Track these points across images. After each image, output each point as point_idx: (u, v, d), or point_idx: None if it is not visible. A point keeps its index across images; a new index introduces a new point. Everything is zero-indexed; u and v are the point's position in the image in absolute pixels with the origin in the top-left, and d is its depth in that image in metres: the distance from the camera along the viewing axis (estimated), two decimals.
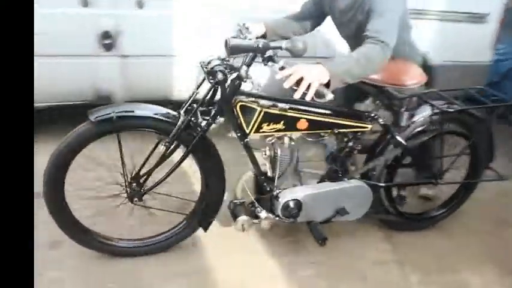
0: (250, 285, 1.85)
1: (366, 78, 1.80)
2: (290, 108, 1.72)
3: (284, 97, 1.68)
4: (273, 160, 1.88)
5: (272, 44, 1.54)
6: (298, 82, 1.43)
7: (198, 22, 2.79)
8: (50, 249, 1.88)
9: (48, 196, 1.69)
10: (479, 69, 3.42)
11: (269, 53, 1.54)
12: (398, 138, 1.92)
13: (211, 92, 1.66)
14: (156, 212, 1.94)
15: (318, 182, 1.99)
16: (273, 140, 1.84)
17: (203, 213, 1.92)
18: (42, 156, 1.64)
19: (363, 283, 1.92)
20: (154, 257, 1.92)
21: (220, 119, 1.69)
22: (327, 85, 1.48)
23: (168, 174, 1.77)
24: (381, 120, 1.91)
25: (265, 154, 1.88)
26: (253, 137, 1.76)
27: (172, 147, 1.71)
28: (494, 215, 2.46)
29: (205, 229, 1.95)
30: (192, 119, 1.67)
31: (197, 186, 2.02)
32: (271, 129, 1.73)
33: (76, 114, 1.91)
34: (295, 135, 1.84)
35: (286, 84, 1.43)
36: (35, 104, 2.19)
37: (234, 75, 1.61)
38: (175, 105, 1.86)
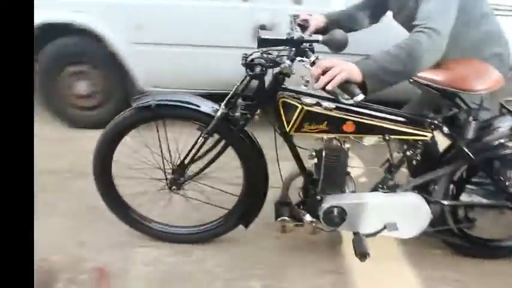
0: None
1: (426, 80, 1.58)
2: (336, 108, 1.59)
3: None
4: (318, 161, 1.76)
5: (308, 37, 1.43)
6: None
7: None
8: None
9: (97, 171, 1.81)
10: None
11: (305, 46, 1.43)
12: (466, 150, 1.67)
13: (245, 85, 1.60)
14: (197, 204, 1.95)
15: (370, 191, 1.83)
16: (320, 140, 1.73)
17: (244, 210, 1.89)
18: None
19: None
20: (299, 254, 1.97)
21: (257, 114, 1.64)
22: (364, 88, 1.33)
23: (205, 167, 1.77)
24: (445, 129, 1.67)
25: (312, 154, 1.77)
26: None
27: (216, 140, 1.71)
28: None
29: (246, 226, 1.92)
30: (230, 112, 1.64)
31: None
32: (313, 129, 1.61)
33: None
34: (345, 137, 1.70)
35: (314, 72, 1.32)
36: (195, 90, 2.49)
37: (277, 69, 1.54)
38: None
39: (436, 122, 1.65)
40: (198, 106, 1.68)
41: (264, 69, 1.53)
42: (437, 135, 1.72)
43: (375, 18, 1.95)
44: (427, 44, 1.35)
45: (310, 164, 1.81)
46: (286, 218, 1.83)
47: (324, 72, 1.33)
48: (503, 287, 1.85)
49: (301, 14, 1.82)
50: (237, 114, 1.63)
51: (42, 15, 2.63)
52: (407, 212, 1.75)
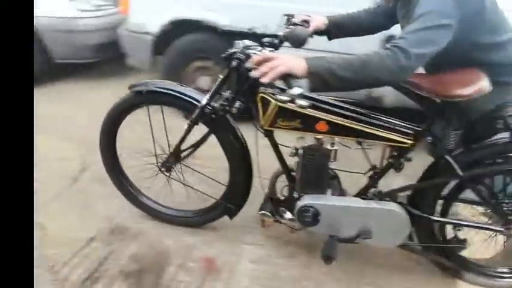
0: None
1: (410, 85, 1.51)
2: (312, 107, 1.59)
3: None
4: (298, 160, 1.76)
5: (269, 32, 1.45)
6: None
7: None
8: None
9: (102, 146, 2.01)
10: None
11: (268, 40, 1.46)
12: (453, 164, 1.56)
13: (222, 79, 1.67)
14: (190, 191, 2.05)
15: (354, 196, 1.79)
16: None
17: (230, 200, 1.95)
18: None
19: None
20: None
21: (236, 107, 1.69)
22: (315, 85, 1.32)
23: (191, 152, 1.86)
24: (429, 138, 1.58)
25: (292, 152, 1.78)
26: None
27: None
28: None
29: (230, 217, 1.98)
30: (211, 102, 1.71)
31: None
32: (287, 125, 1.63)
33: None
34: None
35: (253, 59, 1.35)
36: None
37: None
38: None
39: (418, 129, 1.57)
40: (184, 95, 1.78)
41: (240, 63, 1.58)
42: None
43: (383, 26, 1.88)
44: (389, 62, 1.29)
45: (293, 162, 1.82)
46: (267, 212, 1.86)
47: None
48: None
49: (300, 15, 1.82)
50: (217, 105, 1.71)
51: (173, 12, 2.94)
52: (385, 221, 1.68)
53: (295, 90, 1.28)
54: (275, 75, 1.30)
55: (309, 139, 1.72)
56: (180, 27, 2.97)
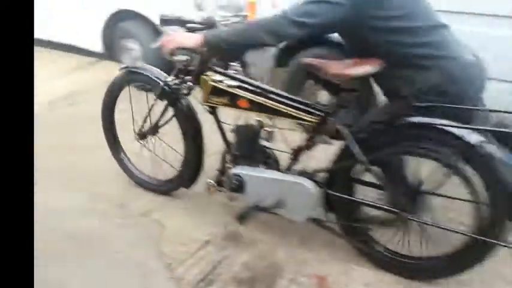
0: None
1: (315, 69, 1.73)
2: (238, 87, 1.89)
3: None
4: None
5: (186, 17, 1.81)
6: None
7: None
8: None
9: (103, 115, 2.47)
10: None
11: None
12: (352, 148, 1.73)
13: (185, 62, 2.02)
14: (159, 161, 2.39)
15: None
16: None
17: (184, 172, 2.29)
18: None
19: None
20: None
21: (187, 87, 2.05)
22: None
23: (155, 124, 2.25)
24: (331, 119, 1.76)
25: (232, 129, 2.07)
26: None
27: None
28: None
29: (186, 187, 2.31)
30: (169, 82, 2.10)
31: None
32: (218, 102, 1.95)
33: None
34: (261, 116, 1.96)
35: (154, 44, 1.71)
36: None
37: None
38: None
39: (323, 110, 1.77)
40: (152, 74, 2.19)
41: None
42: None
43: None
44: (271, 26, 1.58)
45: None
46: (212, 182, 2.15)
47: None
48: None
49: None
50: (173, 84, 2.09)
51: None
52: (296, 194, 1.87)
53: (180, 57, 1.63)
54: (170, 47, 1.66)
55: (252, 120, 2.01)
56: (304, 42, 2.96)
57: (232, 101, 1.91)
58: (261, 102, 1.85)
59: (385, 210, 1.76)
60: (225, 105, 1.94)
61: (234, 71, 1.99)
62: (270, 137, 2.07)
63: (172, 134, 2.26)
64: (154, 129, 2.30)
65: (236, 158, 2.05)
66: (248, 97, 1.87)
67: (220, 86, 1.92)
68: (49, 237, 2.03)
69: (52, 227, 2.12)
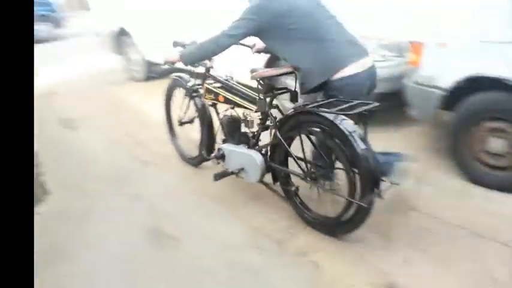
0: None
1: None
2: (220, 87, 2.77)
3: None
4: None
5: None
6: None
7: None
8: None
9: (165, 110, 3.58)
10: None
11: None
12: (271, 129, 2.45)
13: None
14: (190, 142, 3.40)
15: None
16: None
17: (202, 149, 3.22)
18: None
19: None
20: None
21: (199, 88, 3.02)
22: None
23: (184, 115, 3.25)
24: (264, 107, 2.47)
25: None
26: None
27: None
28: None
29: (201, 162, 3.26)
30: (193, 85, 3.09)
31: None
32: (209, 98, 2.86)
33: None
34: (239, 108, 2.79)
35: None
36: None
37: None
38: None
39: (258, 99, 2.49)
40: (183, 80, 3.20)
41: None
42: None
43: None
44: (216, 40, 2.40)
45: None
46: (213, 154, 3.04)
47: None
48: None
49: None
50: (192, 87, 3.08)
51: (471, 68, 2.72)
52: (249, 163, 2.62)
53: (165, 66, 2.60)
54: (167, 61, 2.65)
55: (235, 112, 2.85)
56: (474, 84, 2.76)
57: (216, 97, 2.80)
58: (229, 97, 2.69)
59: (299, 177, 2.41)
60: (213, 99, 2.84)
61: (226, 77, 2.86)
62: (250, 124, 2.84)
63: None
64: (188, 119, 3.31)
65: (225, 138, 2.91)
66: (222, 94, 2.73)
67: (210, 87, 2.83)
68: (211, 264, 2.26)
69: (212, 256, 2.33)
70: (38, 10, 10.55)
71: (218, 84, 2.79)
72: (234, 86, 2.72)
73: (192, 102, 3.18)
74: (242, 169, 2.68)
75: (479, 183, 2.84)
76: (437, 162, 3.18)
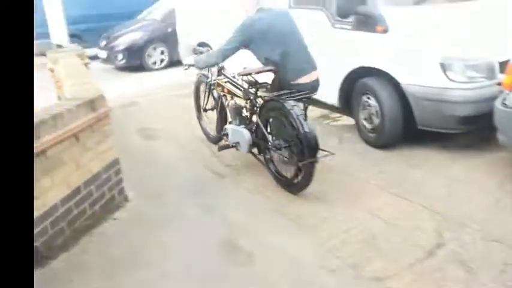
0: None
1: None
2: (226, 82, 3.74)
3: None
4: None
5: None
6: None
7: None
8: None
9: (194, 98, 4.60)
10: None
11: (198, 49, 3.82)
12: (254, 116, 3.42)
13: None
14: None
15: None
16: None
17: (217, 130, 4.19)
18: None
19: None
20: None
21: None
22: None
23: (206, 103, 4.26)
24: (250, 99, 3.41)
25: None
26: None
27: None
28: None
29: (215, 142, 4.22)
30: (209, 80, 4.08)
31: None
32: (219, 90, 3.86)
33: None
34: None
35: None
36: None
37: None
38: None
39: (248, 93, 3.43)
40: (205, 76, 4.17)
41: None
42: None
43: None
44: (216, 53, 3.38)
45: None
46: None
47: None
48: None
49: None
50: (211, 81, 4.07)
51: None
52: (242, 138, 3.54)
53: (185, 67, 3.64)
54: (186, 64, 3.68)
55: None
56: None
57: (223, 89, 3.78)
58: (229, 89, 3.66)
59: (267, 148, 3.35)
60: (221, 91, 3.83)
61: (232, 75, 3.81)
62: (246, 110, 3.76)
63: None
64: (210, 107, 4.31)
65: (230, 120, 3.88)
66: (226, 87, 3.71)
67: (219, 82, 3.82)
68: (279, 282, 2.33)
69: (286, 275, 2.37)
70: None
71: (225, 80, 3.76)
72: (234, 81, 3.67)
73: (211, 94, 4.18)
74: (238, 143, 3.63)
75: None
76: None
